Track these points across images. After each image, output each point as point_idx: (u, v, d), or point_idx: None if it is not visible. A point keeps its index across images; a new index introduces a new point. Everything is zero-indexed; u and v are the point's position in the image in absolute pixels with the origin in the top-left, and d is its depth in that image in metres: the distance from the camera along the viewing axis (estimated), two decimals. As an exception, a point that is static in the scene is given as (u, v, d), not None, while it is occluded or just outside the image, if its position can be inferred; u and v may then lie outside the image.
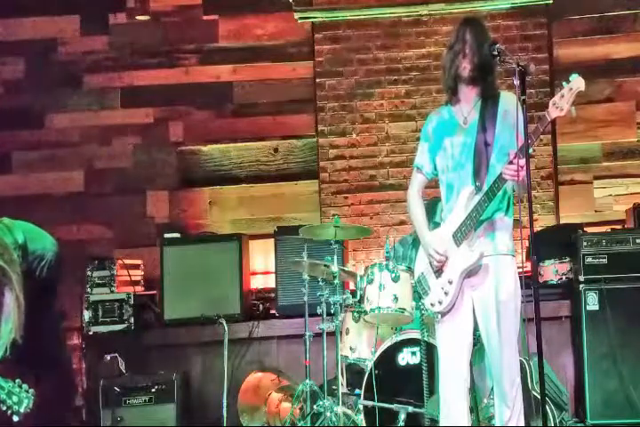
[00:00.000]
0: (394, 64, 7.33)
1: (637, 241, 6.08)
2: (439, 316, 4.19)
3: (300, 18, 7.35)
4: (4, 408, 3.64)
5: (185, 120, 7.47)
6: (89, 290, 6.64)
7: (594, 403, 5.95)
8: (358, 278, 5.63)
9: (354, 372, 5.67)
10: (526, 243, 4.10)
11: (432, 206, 4.84)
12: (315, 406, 5.54)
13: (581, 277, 6.10)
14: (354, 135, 7.33)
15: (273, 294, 6.80)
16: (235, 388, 6.13)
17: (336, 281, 5.65)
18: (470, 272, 4.09)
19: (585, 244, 6.12)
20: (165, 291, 6.71)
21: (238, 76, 7.47)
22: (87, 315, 6.56)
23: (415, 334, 5.28)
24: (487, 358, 4.15)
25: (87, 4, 7.48)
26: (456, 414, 4.14)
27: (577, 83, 3.77)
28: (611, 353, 5.94)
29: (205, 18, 7.52)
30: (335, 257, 5.67)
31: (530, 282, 3.99)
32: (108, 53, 7.50)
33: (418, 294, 4.41)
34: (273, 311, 6.79)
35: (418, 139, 4.53)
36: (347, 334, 5.63)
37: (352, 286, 6.31)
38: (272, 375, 6.24)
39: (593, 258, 6.10)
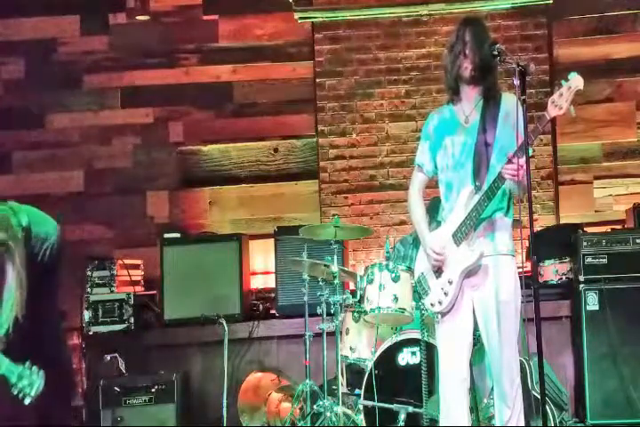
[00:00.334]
0: (394, 64, 7.33)
1: (637, 241, 6.08)
2: (439, 316, 4.19)
3: (300, 18, 7.35)
4: (16, 392, 3.64)
5: (185, 120, 7.47)
6: (89, 290, 6.64)
7: (594, 403, 5.95)
8: (358, 278, 5.63)
9: (354, 372, 5.67)
10: (526, 243, 4.10)
11: (434, 205, 4.84)
12: (315, 406, 5.54)
13: (581, 277, 6.10)
14: (354, 135, 7.33)
15: (273, 294, 6.80)
16: (235, 388, 6.14)
17: (336, 281, 5.65)
18: (470, 272, 4.09)
19: (585, 244, 6.12)
20: (165, 291, 6.71)
21: (238, 76, 7.47)
22: (87, 315, 6.56)
23: (415, 334, 5.28)
24: (487, 358, 4.15)
25: (87, 3, 7.48)
26: (456, 415, 4.14)
27: (576, 81, 3.76)
28: (611, 353, 5.94)
29: (205, 18, 7.52)
30: (335, 257, 5.67)
31: (530, 282, 3.99)
32: (108, 53, 7.50)
33: (418, 293, 4.41)
34: (273, 311, 6.79)
35: (418, 139, 4.53)
36: (347, 334, 5.63)
37: (352, 286, 6.32)
38: (272, 375, 6.24)
39: (593, 258, 6.10)
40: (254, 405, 6.14)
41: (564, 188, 7.19)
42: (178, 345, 6.54)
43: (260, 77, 7.44)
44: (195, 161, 7.46)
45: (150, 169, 7.43)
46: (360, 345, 5.58)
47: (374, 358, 5.40)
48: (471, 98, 4.19)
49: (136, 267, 6.94)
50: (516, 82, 3.82)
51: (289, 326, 6.51)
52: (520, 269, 4.17)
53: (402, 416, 5.24)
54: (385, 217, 7.23)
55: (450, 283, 4.11)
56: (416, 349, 5.30)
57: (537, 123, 3.89)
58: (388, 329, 5.51)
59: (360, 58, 7.35)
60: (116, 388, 6.06)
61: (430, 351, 4.93)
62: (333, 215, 6.45)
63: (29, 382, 3.65)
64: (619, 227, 6.78)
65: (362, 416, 5.40)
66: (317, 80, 7.38)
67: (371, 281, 5.41)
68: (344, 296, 5.65)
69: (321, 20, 7.37)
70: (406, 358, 5.41)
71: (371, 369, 5.37)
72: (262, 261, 7.14)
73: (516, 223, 4.18)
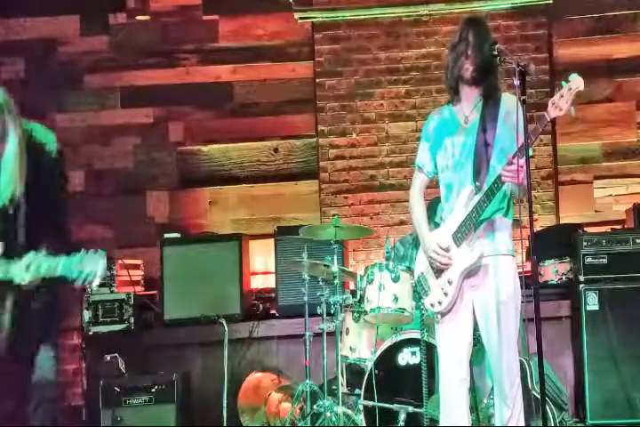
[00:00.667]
0: (394, 64, 7.33)
1: (637, 241, 6.08)
2: (439, 316, 4.19)
3: (300, 18, 7.35)
4: (81, 282, 3.65)
5: (185, 120, 7.47)
6: (89, 290, 6.63)
7: (594, 403, 5.95)
8: (358, 278, 5.63)
9: (354, 372, 5.67)
10: (526, 243, 4.10)
11: (432, 206, 4.85)
12: (315, 406, 5.54)
13: (581, 277, 6.10)
14: (354, 135, 7.33)
15: (273, 294, 6.79)
16: (235, 388, 6.13)
17: (336, 281, 5.65)
18: (470, 273, 4.09)
19: (585, 244, 6.12)
20: (165, 291, 6.71)
21: (238, 76, 7.47)
22: (87, 315, 6.56)
23: (415, 334, 5.27)
24: (487, 358, 4.15)
25: (87, 3, 7.48)
26: (456, 414, 4.14)
27: (576, 82, 3.76)
28: (611, 353, 5.94)
29: (205, 18, 7.52)
30: (335, 257, 5.68)
31: (530, 282, 3.99)
32: (108, 53, 7.50)
33: (418, 293, 4.41)
34: (273, 311, 6.79)
35: (418, 139, 4.53)
36: (347, 334, 5.63)
37: (352, 286, 6.32)
38: (272, 375, 6.24)
39: (593, 258, 6.10)
40: (254, 405, 6.14)
41: (564, 188, 7.19)
42: (178, 345, 6.54)
43: (260, 77, 7.45)
44: (195, 161, 7.46)
45: (150, 169, 7.43)
46: (360, 345, 5.58)
47: (374, 358, 5.40)
48: (471, 98, 4.19)
49: (136, 267, 6.94)
50: (516, 82, 3.82)
51: (289, 326, 6.51)
52: (520, 270, 4.17)
53: (402, 416, 5.25)
54: (385, 217, 7.23)
55: (450, 283, 4.11)
56: (416, 349, 5.30)
57: (537, 123, 3.89)
58: (387, 329, 5.51)
59: (360, 58, 7.35)
60: (116, 388, 6.06)
61: (430, 351, 4.93)
62: (333, 215, 6.45)
63: (91, 268, 3.70)
64: (619, 227, 6.78)
65: (362, 416, 5.40)
66: (317, 80, 7.39)
67: (371, 281, 5.41)
68: (344, 296, 5.65)
69: (321, 20, 7.37)
70: (406, 358, 5.41)
71: (371, 369, 5.37)
72: (262, 261, 7.14)
73: (516, 223, 4.18)
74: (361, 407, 5.41)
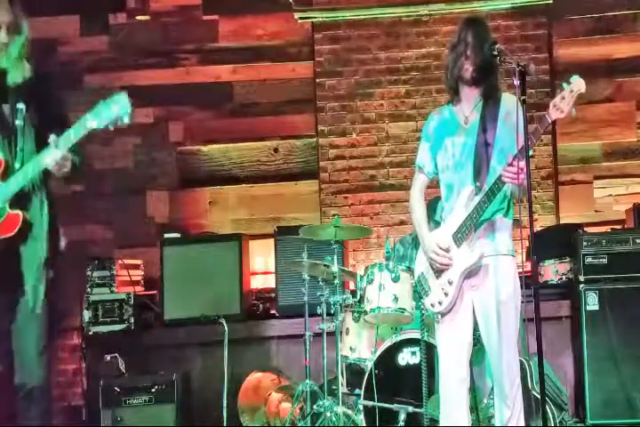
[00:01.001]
0: (394, 64, 7.33)
1: (637, 241, 6.08)
2: (439, 316, 4.19)
3: (300, 18, 7.35)
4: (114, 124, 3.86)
5: (185, 120, 7.47)
6: (89, 290, 6.64)
7: (594, 403, 5.95)
8: (358, 278, 5.63)
9: (354, 372, 5.67)
10: (526, 243, 4.10)
11: (432, 205, 4.85)
12: (315, 406, 5.54)
13: (581, 277, 6.10)
14: (354, 135, 7.33)
15: (273, 294, 6.79)
16: (235, 388, 6.13)
17: (336, 281, 5.65)
18: (470, 273, 4.09)
19: (585, 244, 6.12)
20: (165, 291, 6.71)
21: (238, 76, 7.47)
22: (87, 315, 6.56)
23: (415, 334, 5.27)
24: (487, 358, 4.15)
25: (87, 3, 7.47)
26: (456, 414, 4.14)
27: (578, 84, 3.77)
28: (611, 353, 5.94)
29: (205, 18, 7.52)
30: (335, 257, 5.68)
31: (530, 282, 3.99)
32: (108, 53, 7.50)
33: (418, 293, 4.41)
34: (273, 311, 6.79)
35: (418, 139, 4.53)
36: (347, 334, 5.63)
37: (352, 286, 6.32)
38: (272, 375, 6.24)
39: (593, 258, 6.10)
40: (254, 405, 6.13)
41: (564, 188, 7.19)
42: (178, 345, 6.54)
43: (260, 77, 7.45)
44: (195, 161, 7.46)
45: (150, 169, 7.43)
46: (360, 345, 5.58)
47: (374, 358, 5.40)
48: (471, 99, 4.19)
49: (136, 267, 6.94)
50: (516, 82, 3.82)
51: (289, 326, 6.51)
52: (520, 270, 4.17)
53: (402, 416, 5.24)
54: (385, 217, 7.23)
55: (450, 283, 4.11)
56: (416, 349, 5.30)
57: (538, 125, 3.89)
58: (387, 329, 5.51)
59: (360, 58, 7.35)
60: (116, 388, 6.06)
61: (430, 351, 4.93)
62: (333, 215, 6.45)
63: (120, 106, 3.85)
64: (619, 227, 6.78)
65: (362, 416, 5.40)
66: (317, 80, 7.39)
67: (371, 281, 5.41)
68: (344, 296, 5.65)
69: (321, 20, 7.37)
70: (406, 358, 5.41)
71: (371, 369, 5.37)
72: (262, 261, 7.14)
73: (516, 223, 4.18)
74: (361, 407, 5.41)
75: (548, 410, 5.05)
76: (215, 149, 7.46)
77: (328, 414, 5.44)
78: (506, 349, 4.05)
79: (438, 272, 4.17)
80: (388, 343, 5.45)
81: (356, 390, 5.54)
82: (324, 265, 5.68)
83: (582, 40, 7.23)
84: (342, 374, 5.64)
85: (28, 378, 3.91)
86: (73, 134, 3.88)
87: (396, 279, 5.33)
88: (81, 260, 6.60)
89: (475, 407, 4.80)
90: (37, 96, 4.05)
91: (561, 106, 3.79)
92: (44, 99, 4.06)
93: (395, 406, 5.29)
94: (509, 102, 4.08)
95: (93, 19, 7.52)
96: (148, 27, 7.51)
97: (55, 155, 3.86)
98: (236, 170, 7.44)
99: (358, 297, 5.59)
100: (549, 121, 3.85)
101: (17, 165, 3.95)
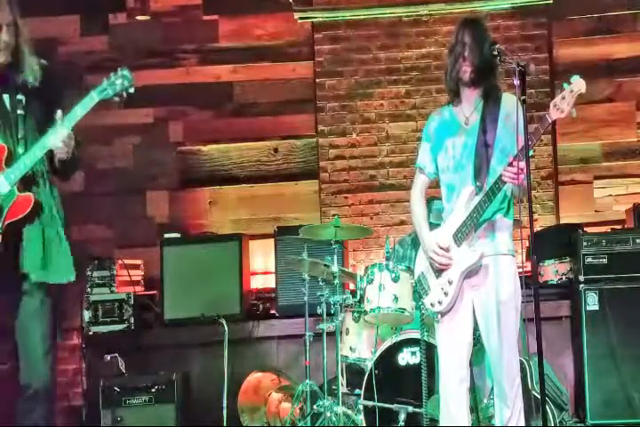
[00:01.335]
0: (394, 64, 7.33)
1: (637, 241, 6.08)
2: (439, 316, 4.19)
3: (300, 18, 7.35)
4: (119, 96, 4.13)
5: (185, 120, 7.46)
6: (89, 290, 6.64)
7: (594, 403, 5.95)
8: (358, 279, 5.63)
9: (354, 372, 5.67)
10: (526, 243, 4.10)
11: (427, 206, 4.84)
12: (315, 406, 5.54)
13: (581, 277, 6.10)
14: (354, 135, 7.33)
15: (273, 294, 6.79)
16: (235, 388, 6.13)
17: (336, 281, 5.65)
18: (470, 272, 4.09)
19: (585, 244, 6.12)
20: (165, 291, 6.71)
21: (238, 76, 7.47)
22: (87, 315, 6.57)
23: (415, 334, 5.27)
24: (487, 358, 4.15)
25: (87, 3, 7.47)
26: (456, 414, 4.14)
27: (578, 85, 3.77)
28: (611, 353, 5.94)
29: (205, 18, 7.52)
30: (335, 257, 5.68)
31: (530, 282, 3.99)
32: (108, 53, 7.50)
33: (418, 293, 4.41)
34: (273, 311, 6.79)
35: (418, 139, 4.54)
36: (347, 334, 5.63)
37: (352, 287, 6.31)
38: (272, 375, 6.24)
39: (593, 258, 6.10)
40: (254, 405, 6.14)
41: (564, 188, 7.19)
42: (178, 345, 6.54)
43: (260, 77, 7.44)
44: (195, 161, 7.46)
45: (150, 169, 7.42)
46: (360, 345, 5.58)
47: (374, 358, 5.40)
48: (471, 99, 4.19)
49: (136, 267, 6.94)
50: (516, 82, 3.83)
51: (289, 326, 6.51)
52: (520, 270, 4.17)
53: (402, 416, 5.25)
54: (385, 217, 7.22)
55: (450, 283, 4.11)
56: (416, 349, 5.30)
57: (538, 125, 3.89)
58: (387, 329, 5.51)
59: (360, 58, 7.35)
60: (116, 388, 6.06)
61: (430, 351, 4.93)
62: (333, 215, 6.45)
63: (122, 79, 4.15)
64: (619, 227, 6.78)
65: (362, 416, 5.40)
66: (317, 80, 7.38)
67: (371, 281, 5.41)
68: (344, 296, 5.65)
69: (321, 20, 7.37)
70: (406, 358, 5.41)
71: (371, 369, 5.37)
72: (262, 262, 7.14)
73: (516, 223, 4.18)
74: (361, 407, 5.41)
75: (548, 410, 5.06)
76: (215, 149, 7.46)
77: (328, 414, 5.44)
78: (506, 349, 4.05)
79: (438, 272, 4.18)
80: (387, 343, 5.45)
81: (356, 390, 5.54)
82: (324, 265, 5.68)
83: (582, 40, 7.23)
84: (342, 374, 5.64)
85: (33, 377, 3.87)
86: (79, 110, 4.09)
87: (395, 279, 5.33)
88: (81, 260, 6.59)
89: (475, 407, 4.80)
90: (43, 96, 4.03)
91: (561, 106, 3.80)
92: (48, 98, 4.04)
93: (395, 406, 5.29)
94: (509, 103, 4.08)
95: (93, 19, 7.52)
96: (148, 27, 7.51)
97: (62, 133, 3.89)
98: (236, 170, 7.44)
99: (358, 297, 5.59)
100: (550, 121, 3.85)
101: (20, 151, 3.92)
